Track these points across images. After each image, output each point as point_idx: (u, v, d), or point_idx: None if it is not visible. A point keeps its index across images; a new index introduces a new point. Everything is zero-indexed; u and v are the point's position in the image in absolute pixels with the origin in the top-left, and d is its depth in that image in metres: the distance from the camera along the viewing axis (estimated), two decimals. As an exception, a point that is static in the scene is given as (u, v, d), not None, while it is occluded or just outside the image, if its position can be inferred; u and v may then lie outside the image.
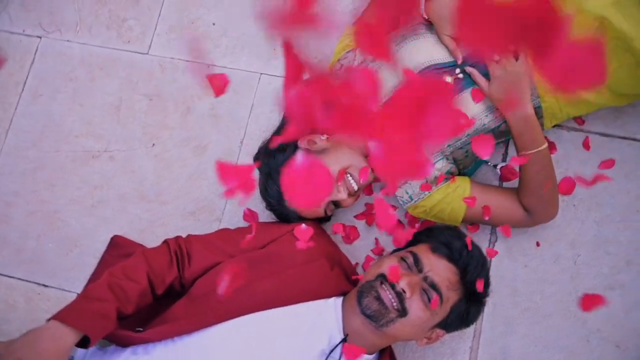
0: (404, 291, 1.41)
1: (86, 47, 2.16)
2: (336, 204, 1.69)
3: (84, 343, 1.45)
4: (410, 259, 1.48)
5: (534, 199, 1.62)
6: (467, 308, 1.48)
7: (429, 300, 1.41)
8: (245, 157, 1.96)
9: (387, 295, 1.43)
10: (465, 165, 1.70)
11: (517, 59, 1.55)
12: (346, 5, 2.05)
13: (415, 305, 1.42)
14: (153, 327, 1.54)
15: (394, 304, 1.43)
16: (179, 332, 1.50)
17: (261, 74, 2.04)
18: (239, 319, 1.50)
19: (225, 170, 0.83)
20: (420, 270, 1.45)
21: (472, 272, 1.46)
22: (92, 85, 2.12)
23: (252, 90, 2.03)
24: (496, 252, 1.76)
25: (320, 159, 1.61)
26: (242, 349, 1.47)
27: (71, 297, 1.90)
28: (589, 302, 1.22)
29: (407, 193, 1.67)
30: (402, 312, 1.42)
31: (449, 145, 1.61)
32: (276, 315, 1.51)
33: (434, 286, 1.42)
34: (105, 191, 2.02)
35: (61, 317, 1.42)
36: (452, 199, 1.64)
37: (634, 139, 1.80)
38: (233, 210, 1.94)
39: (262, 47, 2.06)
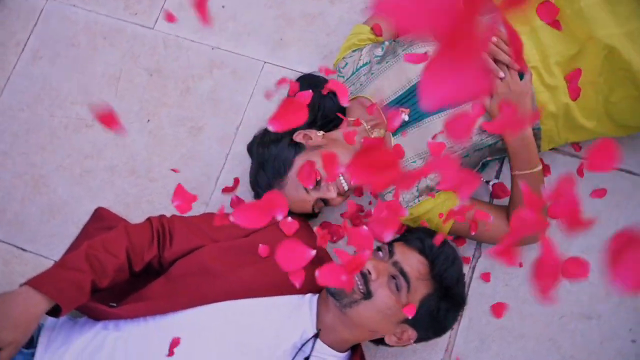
0: (369, 272, 1.42)
1: (92, 15, 2.14)
2: (325, 202, 1.68)
3: (55, 312, 1.43)
4: (386, 249, 1.50)
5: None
6: (437, 304, 1.45)
7: (397, 288, 1.41)
8: (240, 143, 1.94)
9: (353, 277, 1.44)
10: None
11: (521, 78, 1.55)
12: (358, 3, 2.03)
13: (380, 290, 1.42)
14: (127, 303, 1.53)
15: (359, 284, 1.43)
16: (152, 312, 1.49)
17: (265, 62, 2.02)
18: (214, 304, 1.49)
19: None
20: (391, 258, 1.47)
21: (441, 265, 1.46)
22: (94, 54, 2.10)
23: (254, 77, 2.02)
24: (489, 275, 1.78)
25: (315, 155, 1.62)
26: (214, 336, 1.46)
27: (48, 264, 1.89)
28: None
29: (399, 199, 1.66)
30: (367, 294, 1.42)
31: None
32: (252, 305, 1.50)
33: (402, 273, 1.43)
34: (95, 161, 2.00)
35: (35, 283, 1.40)
36: (441, 210, 1.64)
37: (628, 171, 1.80)
38: (221, 195, 1.93)
39: (268, 35, 2.04)
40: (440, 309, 1.46)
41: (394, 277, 1.43)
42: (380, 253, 1.50)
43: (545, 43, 1.57)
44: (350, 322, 1.46)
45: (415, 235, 1.53)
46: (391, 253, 1.49)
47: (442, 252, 1.48)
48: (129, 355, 1.45)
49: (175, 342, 1.42)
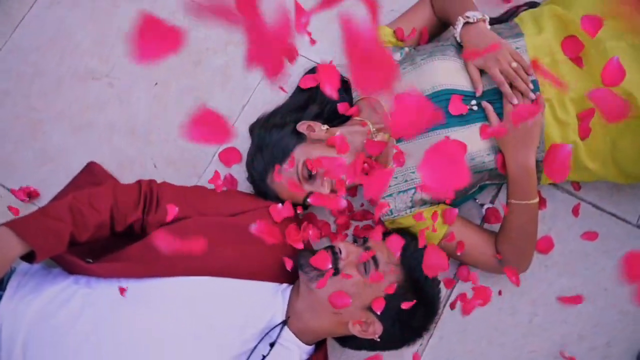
0: (340, 251, 1.47)
1: (118, -31, 2.11)
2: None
3: (29, 257, 1.42)
4: (360, 240, 1.56)
5: (510, 248, 1.62)
6: (404, 296, 1.45)
7: (365, 270, 1.45)
8: (244, 122, 1.92)
9: (324, 253, 1.48)
10: (454, 197, 1.68)
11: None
12: (386, 4, 2.01)
13: (348, 268, 1.46)
14: (103, 262, 1.52)
15: (330, 262, 1.47)
16: (126, 274, 1.48)
17: (282, 47, 2.00)
18: (190, 277, 1.48)
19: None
20: (364, 244, 1.53)
21: (412, 256, 1.49)
22: (113, 6, 2.08)
23: (268, 60, 1.99)
24: (465, 295, 1.77)
25: (316, 148, 1.61)
26: (183, 308, 1.45)
27: (31, 209, 1.88)
28: None
29: (390, 207, 1.65)
30: (335, 271, 1.46)
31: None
32: (228, 284, 1.49)
33: (373, 257, 1.47)
34: (95, 115, 1.99)
35: (13, 225, 1.39)
36: (430, 224, 1.63)
37: (623, 219, 1.79)
38: (215, 170, 1.91)
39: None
40: (408, 307, 1.46)
41: (364, 263, 1.46)
42: (356, 243, 1.55)
43: (564, 77, 1.55)
44: (316, 300, 1.45)
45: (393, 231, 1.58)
46: (365, 242, 1.53)
47: (414, 246, 1.52)
48: (96, 314, 1.44)
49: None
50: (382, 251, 1.51)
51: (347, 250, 1.49)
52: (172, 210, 1.58)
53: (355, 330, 1.45)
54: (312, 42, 1.88)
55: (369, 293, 1.45)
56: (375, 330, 1.46)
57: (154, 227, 1.59)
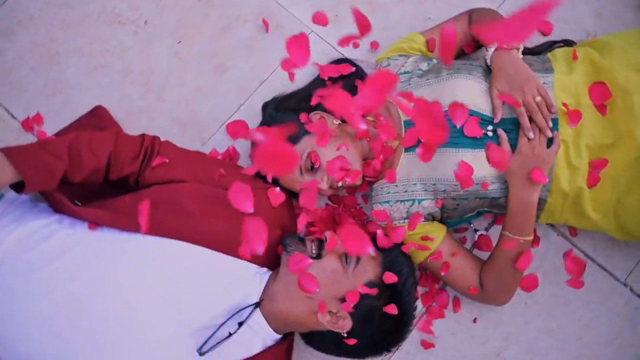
0: (326, 239, 1.48)
1: None
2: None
3: (19, 187, 1.41)
4: None
5: (494, 279, 1.60)
6: (379, 295, 1.45)
7: (347, 262, 1.46)
8: (259, 98, 1.91)
9: (309, 240, 1.50)
10: (449, 216, 1.67)
11: (549, 146, 1.52)
12: (424, 10, 1.99)
13: (330, 256, 1.47)
14: (90, 206, 1.51)
15: (313, 247, 1.48)
16: (111, 223, 1.47)
17: (312, 31, 1.98)
18: (174, 241, 1.47)
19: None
20: None
21: (395, 258, 1.52)
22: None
23: (296, 40, 1.97)
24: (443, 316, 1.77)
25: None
26: (160, 269, 1.44)
27: (30, 140, 1.87)
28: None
29: (386, 212, 1.64)
30: (317, 256, 1.47)
31: (443, 191, 1.58)
32: (208, 256, 1.48)
33: None
34: (114, 59, 1.97)
35: (9, 152, 1.38)
36: (422, 234, 1.62)
37: (611, 274, 1.78)
38: (221, 140, 1.90)
39: (326, 7, 2.00)
40: (380, 306, 1.45)
41: (347, 254, 1.47)
42: None
43: (585, 122, 1.54)
44: (292, 282, 1.43)
45: None
46: None
47: (399, 249, 1.55)
48: (72, 256, 1.43)
49: None
50: None
51: (333, 240, 1.49)
52: (161, 160, 1.56)
53: (325, 319, 1.44)
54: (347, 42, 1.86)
55: (345, 284, 1.44)
56: (344, 325, 1.44)
57: (147, 183, 1.57)
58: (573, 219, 1.64)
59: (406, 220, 1.61)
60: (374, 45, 1.95)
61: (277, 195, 1.62)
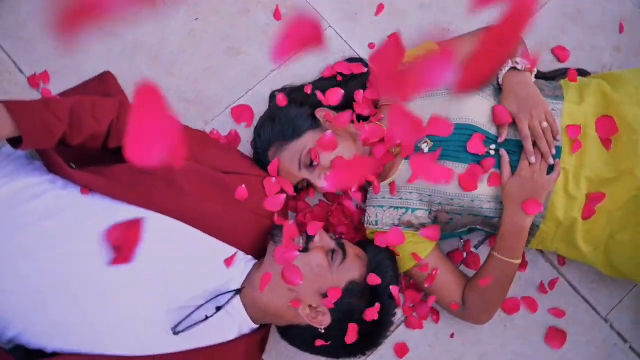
0: (313, 235, 1.48)
1: None
2: (309, 185, 1.66)
3: (16, 142, 1.41)
4: (335, 235, 1.58)
5: (476, 298, 1.60)
6: (360, 295, 1.45)
7: (333, 258, 1.46)
8: (267, 85, 1.90)
9: (298, 235, 1.50)
10: (441, 230, 1.66)
11: (549, 173, 1.51)
12: (442, 20, 1.98)
13: (317, 250, 1.46)
14: (85, 171, 1.50)
15: (301, 240, 1.48)
16: (104, 190, 1.46)
17: (330, 26, 1.97)
18: (164, 217, 1.46)
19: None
20: (338, 240, 1.53)
21: (381, 260, 1.52)
22: None
23: (313, 33, 1.96)
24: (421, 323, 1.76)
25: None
26: (149, 246, 1.42)
27: (34, 97, 1.86)
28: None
29: (377, 217, 1.63)
30: (304, 250, 1.46)
31: (439, 203, 1.57)
32: (195, 236, 1.48)
33: (343, 248, 1.49)
34: (127, 29, 1.95)
35: (11, 106, 1.37)
36: (409, 249, 1.61)
37: (594, 308, 1.78)
38: (224, 122, 1.89)
39: (348, 4, 1.99)
40: (360, 307, 1.45)
41: (333, 251, 1.47)
42: (330, 235, 1.56)
43: (588, 154, 1.53)
44: (276, 273, 1.43)
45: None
46: (340, 238, 1.55)
47: (387, 253, 1.56)
48: (61, 218, 1.42)
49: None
50: (353, 247, 1.53)
51: (321, 236, 1.49)
52: None
53: (304, 313, 1.43)
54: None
55: (328, 279, 1.44)
56: (323, 320, 1.44)
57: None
58: (563, 248, 1.63)
59: (398, 227, 1.61)
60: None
61: (272, 186, 1.62)
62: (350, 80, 1.81)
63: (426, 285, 1.63)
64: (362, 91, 1.74)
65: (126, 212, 1.44)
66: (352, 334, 1.45)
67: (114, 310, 1.39)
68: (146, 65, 1.93)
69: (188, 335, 1.42)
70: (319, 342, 1.47)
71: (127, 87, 1.88)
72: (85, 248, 1.39)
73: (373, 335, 1.52)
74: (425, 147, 1.59)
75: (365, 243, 1.61)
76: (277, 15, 1.96)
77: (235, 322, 1.48)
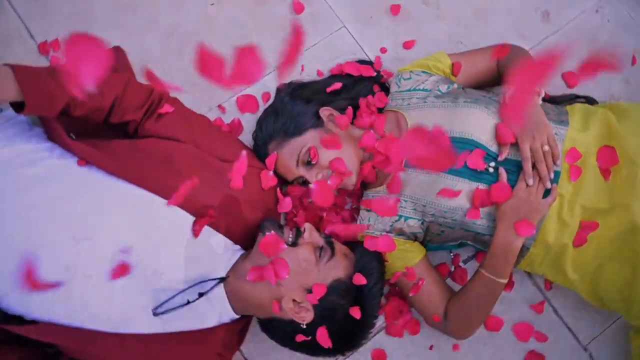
0: (304, 230, 1.49)
1: None
2: (305, 182, 1.66)
3: (18, 107, 1.40)
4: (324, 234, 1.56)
5: (459, 312, 1.60)
6: (345, 294, 1.46)
7: (320, 255, 1.46)
8: (275, 78, 1.90)
9: (288, 228, 1.51)
10: (432, 240, 1.66)
11: (545, 196, 1.51)
12: (455, 35, 1.98)
13: (305, 246, 1.47)
14: (84, 143, 1.50)
15: (290, 234, 1.49)
16: (101, 164, 1.46)
17: (344, 26, 1.97)
18: (155, 196, 1.46)
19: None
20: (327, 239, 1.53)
21: (369, 261, 1.52)
22: None
23: (325, 31, 1.97)
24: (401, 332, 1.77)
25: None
26: (137, 221, 1.43)
27: (41, 63, 1.86)
28: None
29: (370, 221, 1.63)
30: (293, 244, 1.47)
31: (432, 214, 1.57)
32: (187, 221, 1.48)
33: (331, 245, 1.49)
34: (144, 4, 1.95)
35: (18, 70, 1.37)
36: (398, 257, 1.61)
37: (575, 336, 1.78)
38: (228, 110, 1.89)
39: (366, 6, 1.98)
40: (344, 306, 1.46)
41: (322, 248, 1.47)
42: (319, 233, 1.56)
43: (585, 182, 1.53)
44: (262, 264, 1.43)
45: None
46: (329, 237, 1.54)
47: (375, 255, 1.55)
48: (53, 187, 1.42)
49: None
50: (341, 246, 1.54)
51: (311, 232, 1.50)
52: (168, 108, 1.56)
53: (288, 307, 1.44)
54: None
55: (314, 275, 1.44)
56: (305, 316, 1.44)
57: (146, 134, 1.57)
58: (551, 273, 1.63)
59: (388, 234, 1.61)
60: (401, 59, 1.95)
61: (269, 179, 1.63)
62: (359, 82, 1.81)
63: (411, 294, 1.63)
64: (370, 97, 1.74)
65: (120, 188, 1.44)
66: (324, 339, 1.45)
67: (96, 284, 1.39)
68: (158, 43, 1.93)
69: (167, 318, 1.42)
70: (300, 338, 1.47)
71: (136, 63, 1.87)
72: (74, 218, 1.39)
73: (353, 334, 1.52)
74: None
75: (354, 244, 1.61)
76: (296, 8, 1.96)
77: (216, 310, 1.48)
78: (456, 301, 1.61)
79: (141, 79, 1.78)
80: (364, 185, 1.72)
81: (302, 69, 1.91)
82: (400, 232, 1.61)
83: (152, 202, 1.45)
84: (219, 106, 1.89)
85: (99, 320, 1.40)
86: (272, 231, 1.47)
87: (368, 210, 1.65)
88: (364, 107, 1.72)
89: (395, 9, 1.97)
